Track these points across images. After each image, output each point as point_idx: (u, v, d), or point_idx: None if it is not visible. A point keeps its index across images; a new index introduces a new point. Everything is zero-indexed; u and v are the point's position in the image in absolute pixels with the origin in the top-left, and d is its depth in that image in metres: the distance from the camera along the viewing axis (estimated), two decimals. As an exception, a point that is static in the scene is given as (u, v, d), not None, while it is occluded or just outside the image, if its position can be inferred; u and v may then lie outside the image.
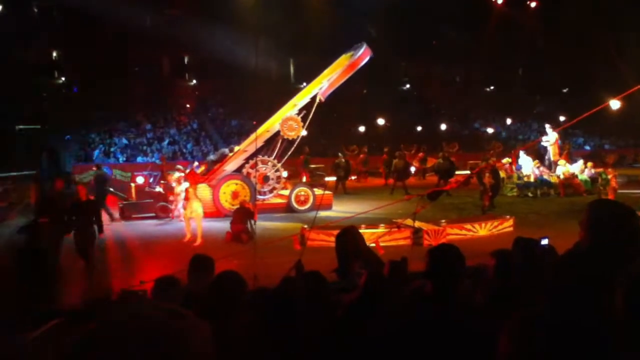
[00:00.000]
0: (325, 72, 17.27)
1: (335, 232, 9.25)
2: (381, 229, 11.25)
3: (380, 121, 28.26)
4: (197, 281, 4.18)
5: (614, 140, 33.55)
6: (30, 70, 26.49)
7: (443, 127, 31.89)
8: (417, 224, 10.80)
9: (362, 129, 29.62)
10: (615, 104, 15.77)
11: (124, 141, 26.98)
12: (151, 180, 17.78)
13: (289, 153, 16.70)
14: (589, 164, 20.00)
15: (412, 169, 23.03)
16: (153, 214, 15.18)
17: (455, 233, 11.70)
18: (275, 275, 5.80)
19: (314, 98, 16.59)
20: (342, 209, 15.95)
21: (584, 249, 2.42)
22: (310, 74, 19.09)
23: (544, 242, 3.91)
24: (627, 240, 2.31)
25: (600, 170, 17.74)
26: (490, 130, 32.15)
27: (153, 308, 1.13)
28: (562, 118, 27.95)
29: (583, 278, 2.32)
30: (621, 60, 29.79)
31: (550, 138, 20.16)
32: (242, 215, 12.50)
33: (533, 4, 35.22)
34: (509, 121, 34.58)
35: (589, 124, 24.48)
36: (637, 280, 1.62)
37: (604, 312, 1.75)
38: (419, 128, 32.11)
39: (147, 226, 14.32)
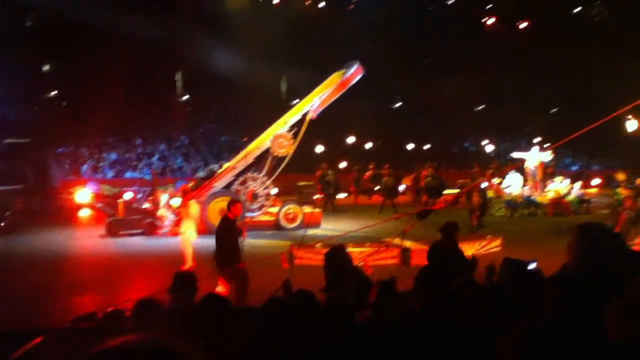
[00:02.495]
0: (317, 89, 17.34)
1: (324, 250, 9.23)
2: (370, 248, 11.22)
3: (371, 139, 28.29)
4: (180, 300, 4.14)
5: (601, 161, 33.84)
6: (22, 83, 26.37)
7: (430, 145, 32.04)
8: (406, 242, 10.79)
9: (351, 144, 29.60)
10: (631, 126, 15.65)
11: (113, 156, 26.87)
12: (139, 196, 17.69)
13: (279, 170, 16.69)
14: (578, 183, 20.18)
15: (402, 187, 23.09)
16: (141, 230, 15.07)
17: (443, 252, 11.68)
18: (264, 293, 5.77)
19: (305, 115, 16.64)
20: (331, 227, 15.94)
21: (571, 272, 2.43)
22: (302, 91, 19.17)
23: (532, 265, 3.91)
24: (613, 263, 2.33)
25: (595, 192, 17.77)
26: (489, 148, 32.27)
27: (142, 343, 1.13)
28: (545, 141, 28.18)
29: (571, 300, 2.32)
30: (611, 81, 30.15)
31: (536, 158, 20.26)
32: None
33: (523, 25, 35.75)
34: (493, 141, 34.73)
35: (578, 144, 24.74)
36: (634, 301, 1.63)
37: (596, 332, 1.76)
38: (412, 145, 32.22)
39: (135, 242, 14.20)
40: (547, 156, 20.52)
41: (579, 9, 36.20)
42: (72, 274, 10.69)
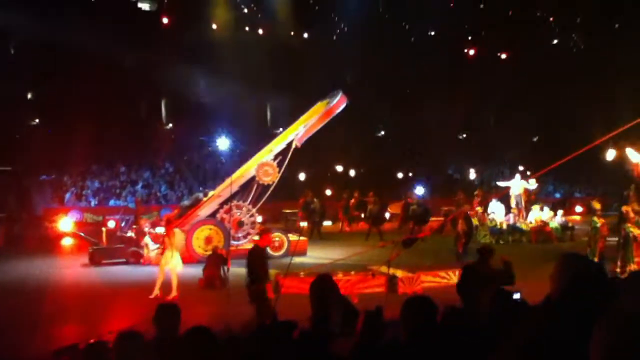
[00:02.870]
0: (302, 118, 17.46)
1: (310, 279, 9.18)
2: (356, 276, 11.19)
3: (355, 167, 28.40)
4: (164, 332, 4.08)
5: (583, 189, 34.26)
6: (4, 110, 26.23)
7: (417, 173, 32.24)
8: (392, 270, 10.77)
9: (336, 171, 29.69)
10: (610, 155, 16.09)
11: (97, 184, 26.65)
12: (123, 224, 17.53)
13: (264, 198, 16.68)
14: (560, 211, 20.40)
15: (387, 215, 23.14)
16: (124, 259, 14.87)
17: (429, 280, 11.69)
18: (250, 324, 5.72)
19: (290, 144, 16.71)
20: (317, 255, 15.89)
21: (555, 302, 2.45)
22: (286, 119, 19.27)
23: (516, 296, 3.92)
24: (596, 295, 2.35)
25: (578, 219, 18.04)
26: (466, 176, 32.53)
27: None
28: (527, 169, 28.53)
29: (554, 332, 2.34)
30: (590, 110, 30.75)
31: (520, 185, 20.48)
32: (215, 260, 12.39)
33: (504, 56, 36.53)
34: (478, 169, 35.10)
35: (559, 171, 25.05)
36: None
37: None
38: (400, 175, 32.40)
39: (118, 272, 14.01)
40: (532, 184, 20.75)
41: (555, 41, 37.12)
42: (54, 304, 10.49)
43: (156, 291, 10.92)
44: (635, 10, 30.28)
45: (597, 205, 15.60)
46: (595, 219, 13.81)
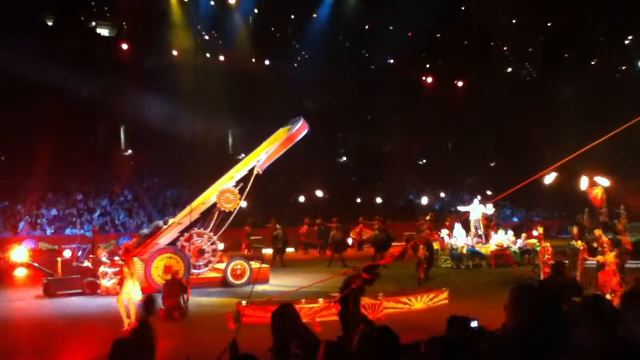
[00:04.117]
0: (263, 144, 17.44)
1: (272, 307, 9.07)
2: (318, 305, 11.12)
3: (319, 193, 28.44)
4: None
5: (539, 212, 35.10)
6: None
7: (378, 199, 32.51)
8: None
9: (301, 199, 29.71)
10: (549, 178, 16.78)
11: (52, 212, 25.91)
12: (79, 253, 17.05)
13: (226, 225, 16.51)
14: (523, 235, 20.80)
15: (350, 241, 23.18)
16: (80, 290, 14.41)
17: (391, 307, 11.71)
18: (209, 355, 5.59)
19: (251, 170, 16.66)
20: (279, 283, 15.77)
21: (509, 333, 2.49)
22: (248, 145, 19.20)
23: (474, 324, 3.97)
24: (549, 324, 2.40)
25: (533, 242, 18.49)
26: (425, 202, 32.99)
27: None
28: (489, 192, 29.13)
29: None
30: (546, 136, 31.75)
31: (479, 210, 20.89)
32: (174, 288, 12.00)
33: (460, 83, 37.56)
34: (441, 194, 35.69)
35: (516, 196, 25.61)
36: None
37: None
38: (358, 200, 32.61)
39: (73, 303, 13.56)
40: (489, 209, 21.16)
41: (510, 69, 38.42)
42: (7, 338, 10.10)
43: (127, 322, 10.47)
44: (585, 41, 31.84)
45: (539, 230, 16.24)
46: (537, 242, 14.35)
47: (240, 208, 16.72)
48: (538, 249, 14.06)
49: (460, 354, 3.27)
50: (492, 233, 20.51)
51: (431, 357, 3.19)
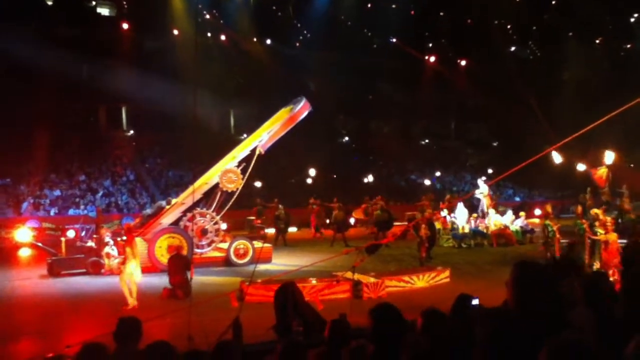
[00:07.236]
0: (265, 125, 17.39)
1: (275, 286, 9.14)
2: (321, 283, 11.18)
3: (312, 172, 28.24)
4: (125, 346, 4.01)
5: (541, 192, 35.11)
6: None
7: (378, 179, 32.48)
8: (357, 276, 10.81)
9: (309, 180, 29.64)
10: (557, 158, 16.73)
11: (55, 193, 25.98)
12: (83, 233, 17.12)
13: (228, 205, 16.55)
14: (522, 214, 20.83)
15: (352, 221, 23.23)
16: (84, 270, 14.50)
17: (393, 285, 11.77)
18: (212, 334, 5.64)
19: (253, 150, 16.64)
20: (281, 262, 15.86)
21: (510, 310, 2.50)
22: (250, 126, 19.16)
23: (475, 302, 3.99)
24: (550, 301, 2.41)
25: (538, 222, 18.46)
26: (427, 182, 32.98)
27: None
28: (490, 170, 29.11)
29: (507, 339, 2.38)
30: (547, 116, 31.64)
31: (483, 190, 20.91)
32: (179, 264, 12.01)
33: (463, 62, 37.26)
34: (438, 173, 35.63)
35: (518, 176, 25.62)
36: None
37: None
38: (367, 179, 32.61)
39: (77, 283, 13.65)
40: (492, 189, 21.16)
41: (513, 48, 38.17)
42: (11, 318, 10.17)
43: (131, 301, 10.66)
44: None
45: (549, 209, 16.19)
46: (549, 222, 14.29)
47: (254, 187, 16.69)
48: (550, 228, 13.93)
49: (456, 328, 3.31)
50: (491, 211, 20.46)
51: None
